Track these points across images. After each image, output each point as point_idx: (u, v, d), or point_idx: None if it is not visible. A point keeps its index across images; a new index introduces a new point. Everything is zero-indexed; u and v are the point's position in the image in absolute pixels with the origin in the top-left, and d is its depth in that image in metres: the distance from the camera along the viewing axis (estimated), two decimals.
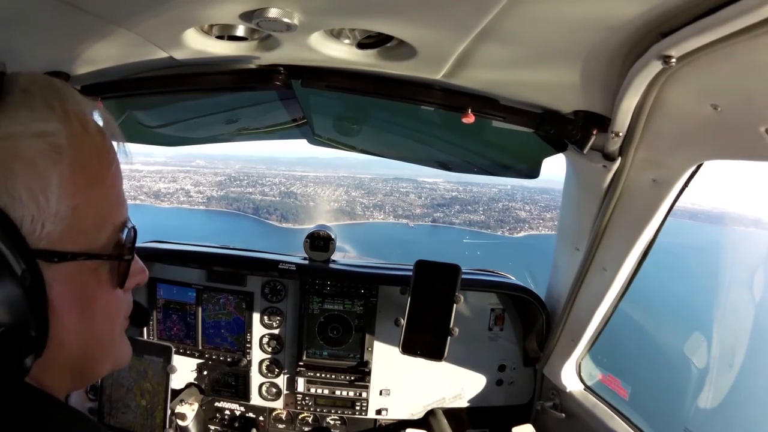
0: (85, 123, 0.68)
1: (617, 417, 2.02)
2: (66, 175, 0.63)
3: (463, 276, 2.17)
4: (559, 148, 1.80)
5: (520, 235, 23.74)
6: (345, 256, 2.82)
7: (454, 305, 2.13)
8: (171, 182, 27.34)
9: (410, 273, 2.19)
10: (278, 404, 2.61)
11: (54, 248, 0.62)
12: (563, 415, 2.26)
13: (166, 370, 2.05)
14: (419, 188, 28.28)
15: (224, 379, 2.58)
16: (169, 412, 2.08)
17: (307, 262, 2.51)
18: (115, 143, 0.72)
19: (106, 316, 0.73)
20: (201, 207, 27.24)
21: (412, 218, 27.07)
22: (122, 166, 0.72)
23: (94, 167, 0.68)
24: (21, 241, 0.59)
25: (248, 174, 29.61)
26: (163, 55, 1.47)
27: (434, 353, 2.16)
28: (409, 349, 2.18)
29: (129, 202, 0.77)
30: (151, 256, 2.49)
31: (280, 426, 2.63)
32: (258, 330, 2.54)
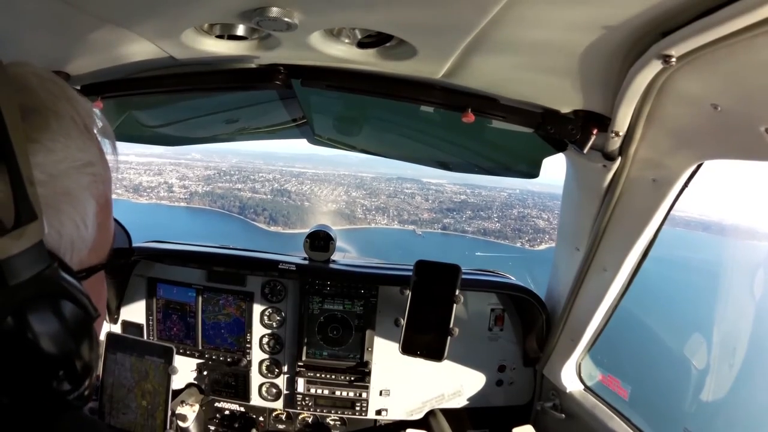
0: (95, 134, 0.68)
1: (617, 417, 2.02)
2: (99, 200, 0.65)
3: (463, 276, 2.17)
4: (559, 148, 1.80)
5: (541, 247, 20.53)
6: (345, 256, 2.82)
7: (454, 305, 2.13)
8: (156, 175, 24.72)
9: (410, 273, 2.19)
10: (278, 404, 2.61)
11: (83, 267, 0.64)
12: (563, 415, 2.25)
13: (168, 371, 2.05)
14: (425, 190, 25.86)
15: (224, 380, 2.58)
16: (169, 412, 2.08)
17: (307, 262, 2.51)
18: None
19: (104, 311, 0.76)
20: (182, 204, 24.62)
21: (419, 224, 24.44)
22: (111, 158, 0.72)
23: (110, 182, 0.69)
24: (73, 275, 0.59)
25: (242, 169, 27.12)
26: (163, 54, 1.47)
27: (434, 353, 2.15)
28: (409, 349, 2.17)
29: None
30: (151, 256, 2.49)
31: (280, 426, 2.63)
32: (258, 330, 2.54)
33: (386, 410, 2.56)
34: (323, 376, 2.50)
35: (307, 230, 2.57)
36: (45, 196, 0.54)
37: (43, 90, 0.61)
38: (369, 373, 2.49)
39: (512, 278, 2.60)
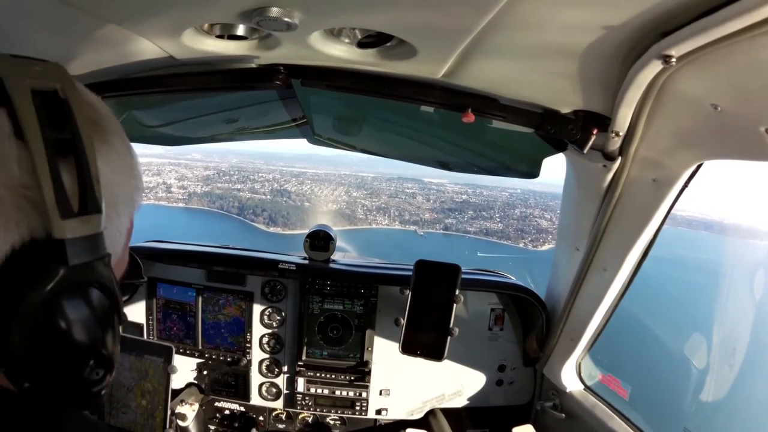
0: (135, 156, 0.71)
1: (617, 417, 2.02)
2: (131, 218, 0.68)
3: (463, 276, 2.17)
4: (559, 148, 1.80)
5: (544, 248, 20.23)
6: (345, 256, 2.82)
7: (454, 305, 2.13)
8: (154, 175, 24.38)
9: (410, 273, 2.19)
10: (278, 404, 2.61)
11: None
12: (563, 415, 2.26)
13: (167, 370, 2.05)
14: (426, 190, 25.48)
15: (224, 379, 2.58)
16: (169, 412, 2.08)
17: (307, 261, 2.51)
18: None
19: None
20: (180, 204, 24.32)
21: (420, 224, 24.10)
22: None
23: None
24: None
25: (242, 169, 26.77)
26: (163, 54, 1.47)
27: (434, 353, 2.15)
28: (409, 349, 2.18)
29: None
30: (151, 255, 2.49)
31: (280, 426, 2.63)
32: (258, 330, 2.54)
33: (386, 410, 2.56)
34: (323, 375, 2.50)
35: (307, 232, 2.57)
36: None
37: (101, 107, 0.67)
38: (369, 373, 2.49)
39: (512, 278, 2.60)
